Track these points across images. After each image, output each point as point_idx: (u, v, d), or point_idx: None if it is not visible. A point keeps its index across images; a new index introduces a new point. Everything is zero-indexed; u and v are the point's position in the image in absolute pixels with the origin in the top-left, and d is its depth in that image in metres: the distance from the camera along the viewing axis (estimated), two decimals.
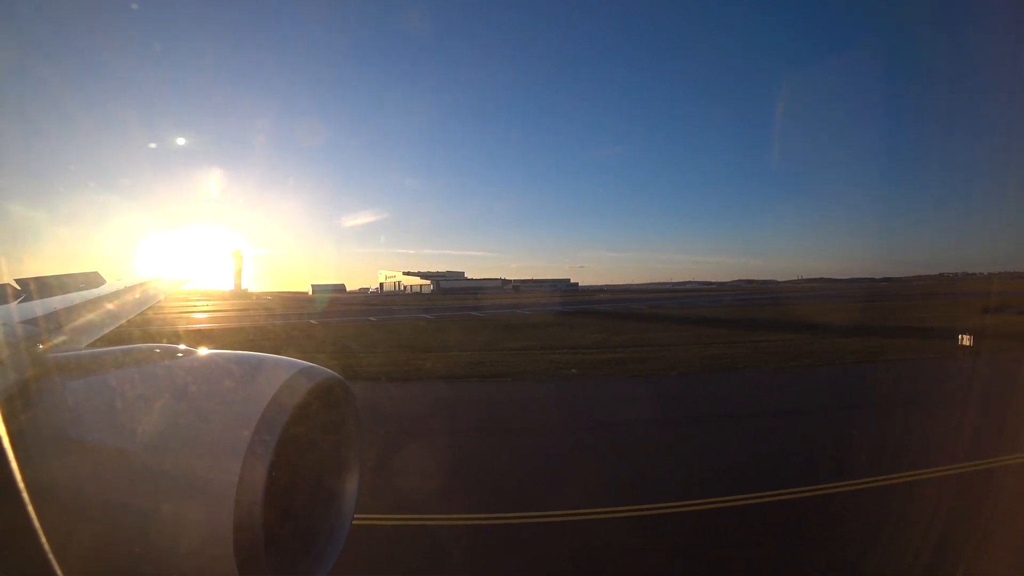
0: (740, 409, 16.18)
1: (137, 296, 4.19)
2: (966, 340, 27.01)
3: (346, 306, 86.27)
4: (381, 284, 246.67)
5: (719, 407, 16.60)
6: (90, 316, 2.85)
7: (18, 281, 3.13)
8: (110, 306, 3.35)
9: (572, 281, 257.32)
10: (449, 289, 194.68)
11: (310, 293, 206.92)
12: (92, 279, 4.08)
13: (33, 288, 3.10)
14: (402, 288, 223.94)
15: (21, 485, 1.21)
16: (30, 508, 1.20)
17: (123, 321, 3.40)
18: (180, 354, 1.70)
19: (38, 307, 2.54)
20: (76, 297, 3.17)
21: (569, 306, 75.72)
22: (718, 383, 19.85)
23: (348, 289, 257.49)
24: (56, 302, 2.78)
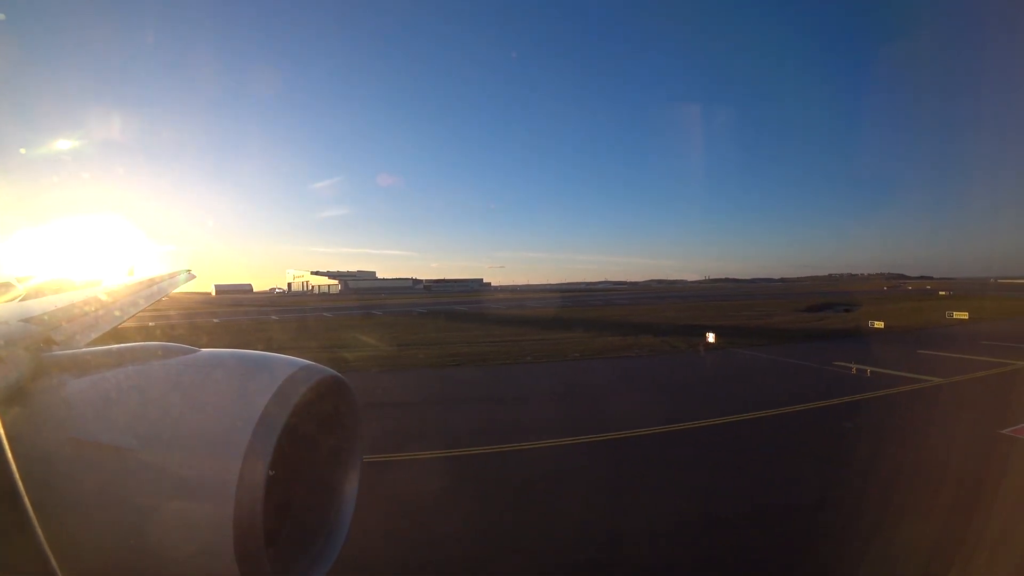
0: None
1: (138, 294, 4.17)
2: (710, 338, 27.82)
3: (222, 307, 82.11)
4: (289, 284, 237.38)
5: None
6: (91, 314, 2.81)
7: (19, 279, 3.36)
8: (110, 304, 3.33)
9: (485, 281, 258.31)
10: (357, 289, 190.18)
11: (213, 294, 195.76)
12: (93, 277, 4.15)
13: (34, 286, 3.33)
14: (310, 288, 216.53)
15: (20, 484, 1.22)
16: (29, 506, 1.20)
17: (124, 319, 3.38)
18: (180, 352, 1.66)
19: (39, 305, 2.49)
20: (77, 295, 3.12)
21: (436, 306, 75.57)
22: (385, 379, 19.22)
23: (255, 289, 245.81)
24: (57, 300, 2.74)
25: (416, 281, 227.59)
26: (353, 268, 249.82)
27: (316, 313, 62.01)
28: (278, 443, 1.37)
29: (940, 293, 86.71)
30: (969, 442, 10.89)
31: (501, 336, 33.20)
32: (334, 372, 1.65)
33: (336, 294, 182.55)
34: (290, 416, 1.42)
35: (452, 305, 78.82)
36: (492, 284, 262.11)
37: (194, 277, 7.91)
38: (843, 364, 19.16)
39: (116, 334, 2.81)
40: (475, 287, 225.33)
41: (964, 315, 39.41)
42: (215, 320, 51.89)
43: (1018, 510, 7.47)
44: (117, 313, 3.36)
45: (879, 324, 34.32)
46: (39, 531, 1.20)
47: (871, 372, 17.83)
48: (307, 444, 1.73)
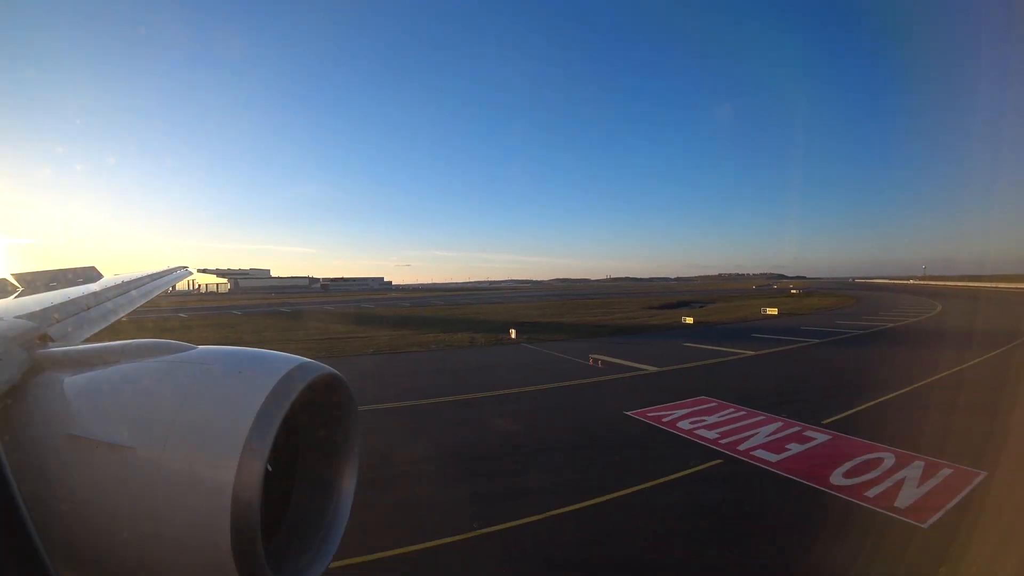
0: None
1: (134, 291, 4.16)
2: (512, 334, 28.83)
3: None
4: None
5: None
6: (87, 311, 2.76)
7: (14, 276, 3.32)
8: (107, 301, 3.26)
9: (387, 280, 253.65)
10: (249, 288, 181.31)
11: None
12: (89, 273, 4.20)
13: (29, 283, 3.28)
14: (196, 288, 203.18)
15: (14, 481, 1.20)
16: (23, 504, 1.19)
17: (121, 316, 3.34)
18: (177, 349, 1.63)
19: (34, 302, 2.44)
20: (73, 292, 3.06)
21: (307, 305, 74.10)
22: None
23: None
24: (53, 297, 2.70)
25: (313, 280, 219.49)
26: (250, 265, 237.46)
27: (172, 313, 58.43)
28: (275, 439, 1.35)
29: (792, 291, 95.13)
30: (586, 421, 12.09)
31: (328, 334, 32.72)
32: (331, 369, 1.61)
33: (225, 293, 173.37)
34: (287, 412, 1.40)
35: (324, 304, 76.95)
36: (394, 283, 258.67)
37: (191, 273, 7.84)
38: (596, 356, 20.42)
39: (113, 331, 2.80)
40: (375, 286, 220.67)
41: (774, 311, 43.33)
42: None
43: (586, 469, 9.11)
44: (114, 310, 3.29)
45: (689, 320, 37.00)
46: (34, 528, 1.18)
47: (603, 363, 19.16)
48: (304, 440, 1.74)
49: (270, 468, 1.36)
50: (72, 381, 1.53)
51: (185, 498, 1.29)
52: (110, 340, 1.75)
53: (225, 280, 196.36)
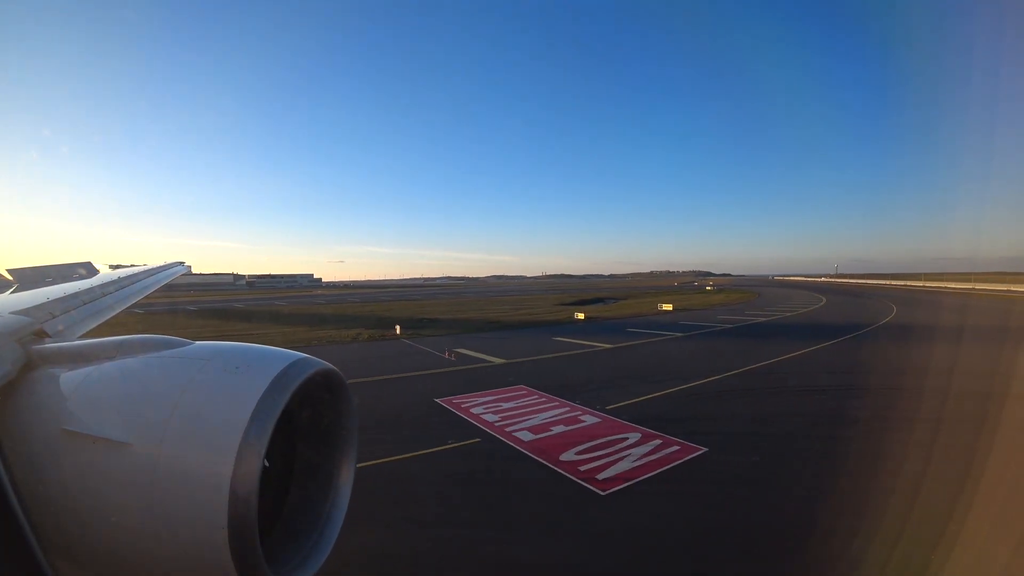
0: None
1: (131, 286, 4.23)
2: (397, 329, 29.06)
3: None
4: None
5: None
6: (83, 306, 2.75)
7: (10, 271, 3.37)
8: (104, 296, 3.23)
9: (316, 277, 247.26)
10: (167, 285, 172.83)
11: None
12: (85, 269, 4.25)
13: (25, 278, 3.32)
14: None
15: (8, 476, 1.22)
16: (16, 501, 1.20)
17: (117, 311, 3.33)
18: (174, 345, 1.64)
19: (30, 297, 2.47)
20: (69, 287, 3.03)
21: (217, 304, 72.98)
22: None
23: None
24: (49, 292, 2.71)
25: (238, 276, 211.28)
26: (163, 260, 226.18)
27: None
28: (273, 435, 1.35)
29: (708, 288, 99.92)
30: (394, 406, 12.79)
31: (221, 331, 32.48)
32: (329, 365, 1.63)
33: None
34: (285, 408, 1.40)
35: (235, 303, 74.92)
36: (324, 280, 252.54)
37: (189, 268, 7.80)
38: (453, 350, 21.07)
39: (110, 326, 2.77)
40: (304, 283, 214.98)
41: (669, 306, 45.39)
42: None
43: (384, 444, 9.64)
44: (110, 306, 3.25)
45: (580, 316, 38.16)
46: (28, 524, 1.19)
47: (457, 357, 19.82)
48: (302, 436, 1.75)
49: (267, 463, 1.36)
50: (67, 376, 1.53)
51: (181, 494, 1.29)
52: (108, 335, 1.73)
53: None
